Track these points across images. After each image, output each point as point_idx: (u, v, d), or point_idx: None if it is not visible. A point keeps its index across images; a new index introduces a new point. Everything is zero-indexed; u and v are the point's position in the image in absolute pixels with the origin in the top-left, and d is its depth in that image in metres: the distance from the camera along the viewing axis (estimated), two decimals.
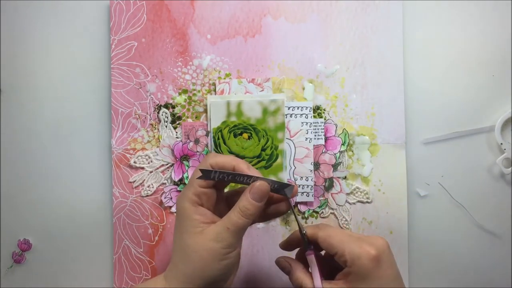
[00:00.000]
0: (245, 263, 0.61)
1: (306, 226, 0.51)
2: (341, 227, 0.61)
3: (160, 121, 0.61)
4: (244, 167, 0.47)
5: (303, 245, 0.50)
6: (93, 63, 0.62)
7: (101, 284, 0.62)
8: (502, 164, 0.59)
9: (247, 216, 0.47)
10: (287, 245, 0.53)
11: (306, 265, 0.50)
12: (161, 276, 0.49)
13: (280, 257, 0.52)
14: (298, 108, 0.60)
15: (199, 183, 0.47)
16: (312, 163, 0.60)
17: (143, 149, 0.61)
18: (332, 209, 0.61)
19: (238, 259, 0.48)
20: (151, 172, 0.61)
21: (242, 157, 0.59)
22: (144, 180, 0.61)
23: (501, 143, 0.60)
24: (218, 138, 0.59)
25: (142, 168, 0.61)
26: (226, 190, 0.52)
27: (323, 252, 0.51)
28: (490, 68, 0.61)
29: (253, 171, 0.47)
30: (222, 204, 0.51)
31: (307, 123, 0.60)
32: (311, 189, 0.60)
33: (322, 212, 0.61)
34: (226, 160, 0.48)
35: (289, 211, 0.52)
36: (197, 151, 0.60)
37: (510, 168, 0.59)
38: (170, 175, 0.60)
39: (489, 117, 0.61)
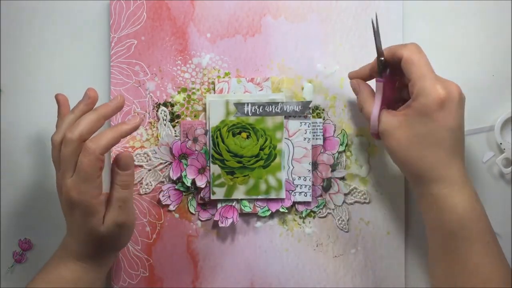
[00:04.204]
0: (242, 261, 0.61)
1: (389, 47, 0.53)
2: (339, 228, 0.61)
3: (159, 119, 0.61)
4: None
5: (378, 70, 0.53)
6: (92, 61, 0.62)
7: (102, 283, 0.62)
8: (502, 164, 0.59)
9: (128, 187, 0.52)
10: (356, 75, 0.57)
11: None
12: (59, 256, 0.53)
13: (354, 79, 0.56)
14: None
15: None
16: (310, 163, 0.60)
17: (141, 147, 0.61)
18: (330, 209, 0.61)
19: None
20: (149, 170, 0.61)
21: (241, 156, 0.59)
22: (143, 178, 0.61)
23: (501, 143, 0.59)
24: (217, 137, 0.59)
25: (141, 166, 0.61)
26: None
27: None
28: (490, 68, 0.60)
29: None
30: None
31: (305, 123, 0.60)
32: (309, 189, 0.60)
33: (320, 212, 0.61)
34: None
35: None
36: (196, 150, 0.60)
37: (510, 168, 0.59)
38: (169, 174, 0.60)
39: (489, 117, 0.60)
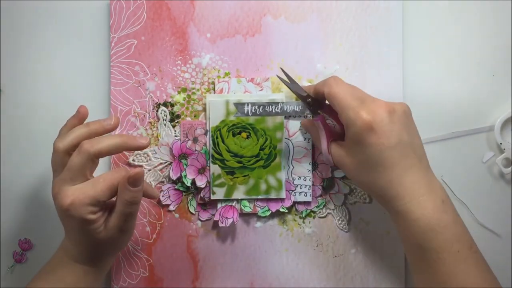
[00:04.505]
0: (242, 261, 0.61)
1: (312, 86, 0.55)
2: (339, 228, 0.61)
3: (159, 119, 0.61)
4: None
5: (311, 111, 0.55)
6: (92, 61, 0.62)
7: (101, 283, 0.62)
8: (502, 164, 0.59)
9: (136, 203, 0.50)
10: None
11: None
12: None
13: (304, 120, 0.58)
14: None
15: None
16: (311, 163, 0.60)
17: None
18: (330, 209, 0.61)
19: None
20: (149, 170, 0.61)
21: (241, 156, 0.59)
22: None
23: (501, 143, 0.59)
24: (217, 137, 0.59)
25: (141, 166, 0.61)
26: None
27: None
28: (490, 68, 0.60)
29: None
30: None
31: None
32: (309, 189, 0.60)
33: (320, 212, 0.61)
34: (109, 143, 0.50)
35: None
36: (196, 150, 0.60)
37: (510, 168, 0.59)
38: (168, 174, 0.60)
39: (489, 117, 0.60)
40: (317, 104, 0.55)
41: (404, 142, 0.49)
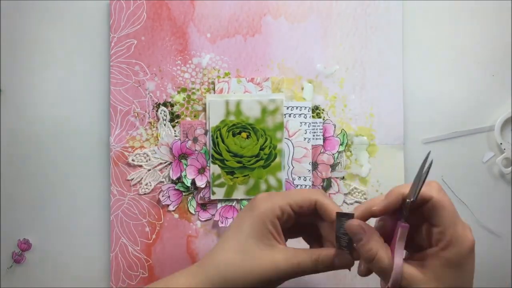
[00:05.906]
0: None
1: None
2: None
3: (158, 119, 0.61)
4: (329, 202, 0.45)
5: (403, 214, 0.42)
6: (92, 61, 0.62)
7: (100, 283, 0.62)
8: (502, 164, 0.59)
9: (318, 270, 0.45)
10: (366, 212, 0.45)
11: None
12: (192, 269, 0.47)
13: (356, 221, 0.43)
14: (297, 108, 0.60)
15: (292, 203, 0.45)
16: (310, 163, 0.60)
17: (141, 147, 0.61)
18: None
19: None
20: (149, 170, 0.61)
21: (241, 156, 0.59)
22: (142, 178, 0.61)
23: (501, 143, 0.59)
24: (217, 137, 0.59)
25: (140, 166, 0.61)
26: None
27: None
28: (490, 68, 0.60)
29: (334, 205, 0.45)
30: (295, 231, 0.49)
31: (305, 123, 0.60)
32: None
33: None
34: (304, 196, 0.45)
35: None
36: (196, 150, 0.60)
37: (510, 168, 0.59)
38: (168, 174, 0.60)
39: (489, 117, 0.60)
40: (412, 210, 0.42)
41: None
